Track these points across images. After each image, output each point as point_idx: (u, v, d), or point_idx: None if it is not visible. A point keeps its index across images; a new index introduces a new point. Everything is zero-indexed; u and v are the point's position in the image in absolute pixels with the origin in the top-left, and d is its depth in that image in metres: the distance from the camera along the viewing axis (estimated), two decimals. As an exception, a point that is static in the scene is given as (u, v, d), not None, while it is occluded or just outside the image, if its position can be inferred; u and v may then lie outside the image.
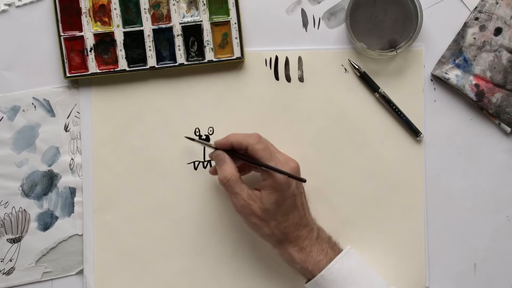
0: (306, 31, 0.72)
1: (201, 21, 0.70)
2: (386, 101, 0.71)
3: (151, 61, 0.70)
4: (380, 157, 0.72)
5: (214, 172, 0.69)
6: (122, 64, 0.70)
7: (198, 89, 0.72)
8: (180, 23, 0.70)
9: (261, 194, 0.62)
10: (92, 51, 0.70)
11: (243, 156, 0.64)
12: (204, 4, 0.70)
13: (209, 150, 0.72)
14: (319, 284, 0.62)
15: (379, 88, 0.71)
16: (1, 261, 0.71)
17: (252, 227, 0.64)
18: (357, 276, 0.62)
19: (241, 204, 0.63)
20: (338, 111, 0.72)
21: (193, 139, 0.68)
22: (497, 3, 0.70)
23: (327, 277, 0.62)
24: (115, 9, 0.69)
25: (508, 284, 0.72)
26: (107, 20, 0.70)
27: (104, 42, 0.70)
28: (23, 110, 0.71)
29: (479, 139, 0.72)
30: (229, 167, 0.63)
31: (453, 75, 0.71)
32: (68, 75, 0.70)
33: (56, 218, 0.72)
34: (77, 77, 0.70)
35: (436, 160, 0.72)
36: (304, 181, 0.62)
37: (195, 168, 0.72)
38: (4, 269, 0.71)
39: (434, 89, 0.72)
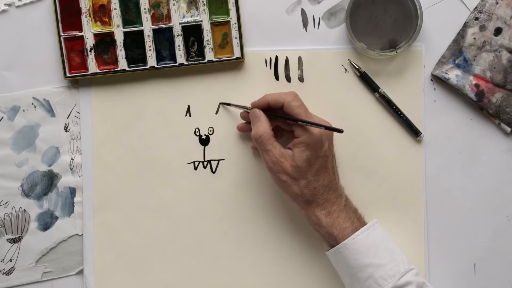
0: (306, 31, 0.72)
1: (201, 21, 0.70)
2: (386, 101, 0.71)
3: (151, 61, 0.70)
4: (380, 157, 0.72)
5: (241, 128, 0.70)
6: (122, 64, 0.70)
7: (198, 89, 0.72)
8: (180, 23, 0.70)
9: (293, 152, 0.63)
10: (92, 51, 0.70)
11: (279, 113, 0.65)
12: (204, 4, 0.70)
13: (209, 150, 0.72)
14: (341, 253, 0.62)
15: (379, 88, 0.71)
16: (1, 261, 0.71)
17: (282, 186, 0.64)
18: (380, 249, 0.62)
19: (272, 161, 0.63)
20: (338, 111, 0.72)
21: (229, 104, 0.70)
22: (497, 3, 0.70)
23: (350, 246, 0.62)
24: (115, 9, 0.70)
25: (508, 284, 0.72)
26: (107, 20, 0.70)
27: (104, 42, 0.70)
28: (23, 110, 0.71)
29: (479, 139, 0.72)
30: (263, 125, 0.64)
31: (453, 75, 0.71)
32: (68, 75, 0.70)
33: (56, 218, 0.72)
34: (77, 77, 0.70)
35: (436, 160, 0.72)
36: (342, 131, 0.62)
37: (195, 168, 0.72)
38: (4, 269, 0.71)
39: (434, 89, 0.72)
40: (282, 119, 0.65)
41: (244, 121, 0.70)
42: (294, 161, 0.63)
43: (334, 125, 0.63)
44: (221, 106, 0.71)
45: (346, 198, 0.65)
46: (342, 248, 0.62)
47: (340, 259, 0.63)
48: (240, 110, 0.69)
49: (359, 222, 0.64)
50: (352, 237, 0.62)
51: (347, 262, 0.62)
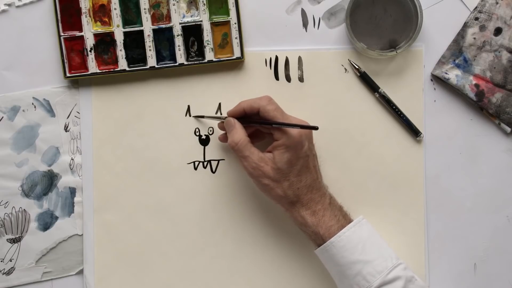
0: (306, 31, 0.72)
1: (201, 21, 0.70)
2: (386, 101, 0.71)
3: (151, 61, 0.70)
4: (380, 157, 0.72)
5: (223, 139, 0.69)
6: (122, 64, 0.70)
7: (198, 89, 0.72)
8: (180, 23, 0.70)
9: (274, 155, 0.63)
10: (92, 51, 0.70)
11: (255, 119, 0.65)
12: (204, 4, 0.70)
13: (209, 150, 0.72)
14: (328, 251, 0.62)
15: (379, 88, 0.71)
16: (1, 261, 0.71)
17: (264, 190, 0.65)
18: (367, 246, 0.62)
19: (252, 166, 0.63)
20: (338, 111, 0.72)
21: (202, 116, 0.70)
22: (497, 3, 0.70)
23: (337, 244, 0.62)
24: (115, 9, 0.70)
25: (508, 284, 0.72)
26: (107, 20, 0.70)
27: (104, 42, 0.70)
28: (23, 110, 0.71)
29: (479, 139, 0.72)
30: (238, 132, 0.64)
31: (453, 75, 0.71)
32: (68, 75, 0.70)
33: (56, 218, 0.72)
34: (77, 77, 0.70)
35: (436, 160, 0.72)
36: (317, 128, 0.62)
37: (195, 168, 0.72)
38: (4, 269, 0.71)
39: (434, 89, 0.72)
40: (258, 124, 0.65)
41: (223, 132, 0.69)
42: (275, 163, 0.63)
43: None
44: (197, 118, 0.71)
45: (330, 196, 0.66)
46: (329, 246, 0.62)
47: (328, 257, 0.63)
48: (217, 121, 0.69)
49: (345, 219, 0.64)
50: (338, 235, 0.62)
51: (335, 260, 0.62)
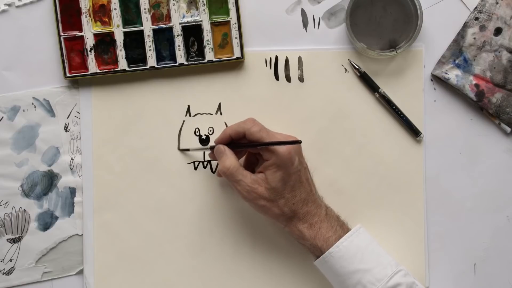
0: (306, 31, 0.72)
1: (201, 21, 0.70)
2: (386, 101, 0.71)
3: (151, 61, 0.70)
4: (380, 157, 0.72)
5: (219, 174, 0.69)
6: (122, 64, 0.70)
7: (198, 89, 0.72)
8: (180, 23, 0.70)
9: (266, 175, 0.63)
10: (92, 51, 0.70)
11: (242, 143, 0.65)
12: (204, 4, 0.70)
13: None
14: (327, 262, 0.63)
15: (379, 88, 0.71)
16: (1, 261, 0.71)
17: (261, 211, 0.64)
18: (365, 254, 0.62)
19: (246, 190, 0.63)
20: (338, 111, 0.72)
21: (188, 149, 0.70)
22: (497, 3, 0.70)
23: (335, 255, 0.62)
24: (115, 9, 0.70)
25: (508, 284, 0.72)
26: (107, 20, 0.70)
27: (104, 42, 0.70)
28: (23, 110, 0.71)
29: (479, 139, 0.72)
30: (228, 158, 0.64)
31: (453, 75, 0.71)
32: (68, 75, 0.70)
33: (56, 218, 0.72)
34: (77, 77, 0.70)
35: (436, 160, 0.72)
36: (300, 142, 0.61)
37: (195, 168, 0.72)
38: (4, 269, 0.71)
39: (434, 89, 0.72)
40: (244, 148, 0.66)
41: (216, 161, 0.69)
42: (269, 183, 0.63)
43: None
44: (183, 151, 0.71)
45: (326, 207, 0.66)
46: (328, 257, 0.62)
47: (327, 268, 0.63)
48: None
49: (342, 229, 0.64)
50: (336, 245, 0.62)
51: (334, 270, 0.62)
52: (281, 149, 0.62)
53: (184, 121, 0.72)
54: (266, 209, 0.64)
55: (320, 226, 0.64)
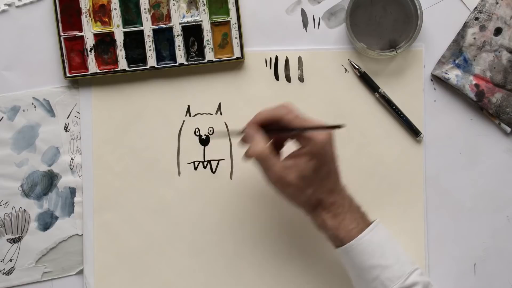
0: (306, 31, 0.72)
1: (201, 21, 0.70)
2: (386, 101, 0.71)
3: (151, 61, 0.70)
4: (380, 157, 0.72)
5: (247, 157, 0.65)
6: (122, 64, 0.70)
7: (198, 89, 0.72)
8: (180, 23, 0.70)
9: (299, 162, 0.61)
10: (92, 51, 0.70)
11: (276, 129, 0.63)
12: (204, 4, 0.70)
13: (209, 150, 0.72)
14: (348, 253, 0.62)
15: (379, 88, 0.71)
16: (1, 261, 0.71)
17: (288, 197, 0.63)
18: (386, 250, 0.62)
19: (276, 176, 0.61)
20: (338, 111, 0.72)
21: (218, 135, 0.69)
22: (497, 3, 0.70)
23: (356, 247, 0.61)
24: (115, 9, 0.70)
25: (508, 284, 0.72)
26: (107, 20, 0.70)
27: (104, 42, 0.70)
28: (23, 110, 0.71)
29: (479, 139, 0.72)
30: (257, 143, 0.61)
31: (453, 75, 0.71)
32: (68, 75, 0.70)
33: (56, 218, 0.72)
34: (77, 77, 0.70)
35: (436, 160, 0.72)
36: (340, 127, 0.59)
37: (195, 168, 0.72)
38: (4, 269, 0.71)
39: (434, 89, 0.72)
40: (281, 133, 0.63)
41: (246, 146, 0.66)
42: (301, 171, 0.61)
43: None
44: (218, 133, 0.70)
45: (350, 198, 0.65)
46: (349, 249, 0.62)
47: (347, 260, 0.63)
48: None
49: (364, 222, 0.63)
50: (359, 238, 0.61)
51: (353, 263, 0.62)
52: (317, 138, 0.60)
53: (184, 121, 0.72)
54: (293, 196, 0.62)
55: (343, 217, 0.62)
